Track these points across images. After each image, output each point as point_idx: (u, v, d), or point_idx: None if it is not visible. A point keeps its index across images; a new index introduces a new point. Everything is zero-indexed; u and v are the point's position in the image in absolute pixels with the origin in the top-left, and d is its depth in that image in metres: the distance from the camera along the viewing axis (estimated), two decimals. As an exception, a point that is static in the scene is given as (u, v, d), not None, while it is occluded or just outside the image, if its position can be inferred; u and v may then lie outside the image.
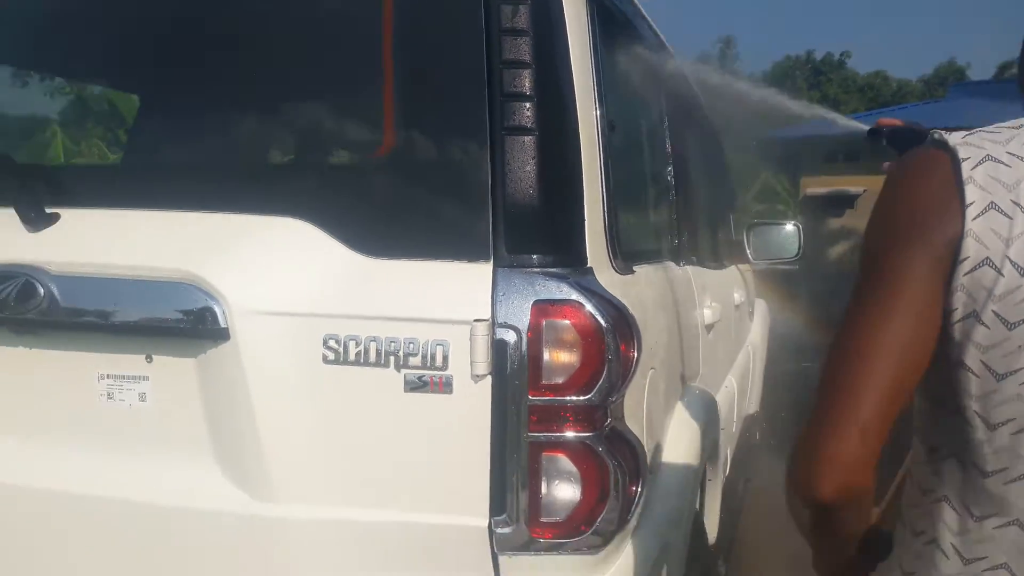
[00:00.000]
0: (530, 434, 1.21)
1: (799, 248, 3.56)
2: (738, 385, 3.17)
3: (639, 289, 1.54)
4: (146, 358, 1.37)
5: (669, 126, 2.22)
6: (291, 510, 1.28)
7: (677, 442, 1.71)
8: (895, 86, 32.96)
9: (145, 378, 1.37)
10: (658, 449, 1.58)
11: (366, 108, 1.45)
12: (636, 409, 1.39)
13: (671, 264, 2.02)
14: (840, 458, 0.82)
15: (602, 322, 1.23)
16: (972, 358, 0.82)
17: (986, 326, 0.81)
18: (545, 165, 1.28)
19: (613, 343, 1.23)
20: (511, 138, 1.26)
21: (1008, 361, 0.81)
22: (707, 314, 2.25)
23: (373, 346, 1.25)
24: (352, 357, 1.26)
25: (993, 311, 0.80)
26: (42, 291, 1.32)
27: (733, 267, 3.64)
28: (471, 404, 1.23)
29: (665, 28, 2.34)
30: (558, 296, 1.23)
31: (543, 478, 1.22)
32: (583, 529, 1.23)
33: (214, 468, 1.33)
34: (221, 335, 1.29)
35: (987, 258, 0.80)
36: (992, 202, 0.80)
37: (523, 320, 1.22)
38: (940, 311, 0.82)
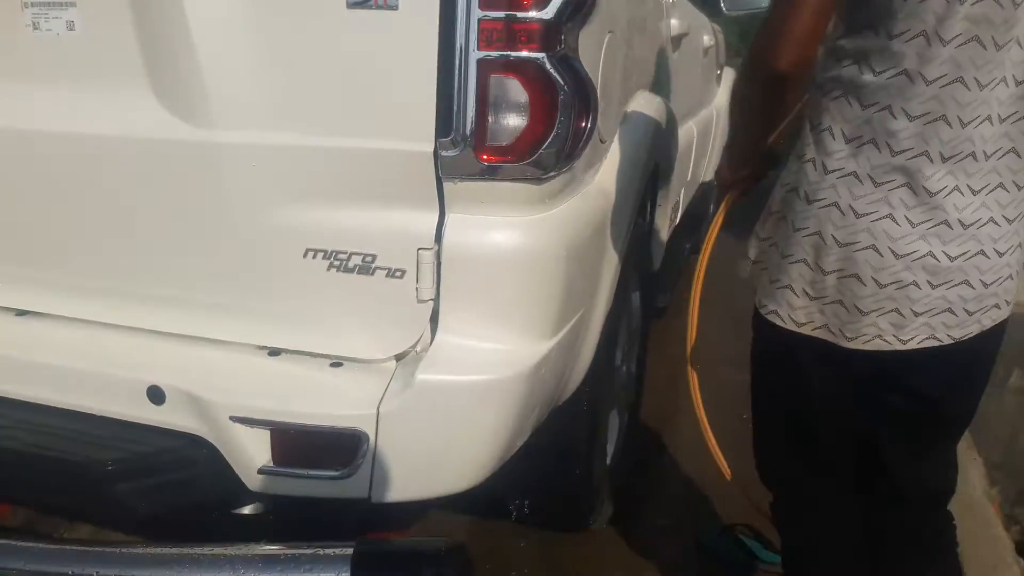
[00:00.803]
0: (479, 52, 1.16)
1: (775, -4, 3.41)
2: (699, 137, 3.14)
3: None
4: None
5: None
6: (231, 136, 1.24)
7: (631, 124, 1.70)
8: None
9: (72, 4, 1.28)
10: (610, 117, 1.55)
11: None
12: (591, 58, 1.34)
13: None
14: (797, 33, 1.07)
15: None
16: None
17: None
18: None
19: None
20: None
21: None
22: (674, 25, 2.16)
23: None
24: None
25: None
26: None
27: (706, 19, 3.50)
28: (418, 21, 1.16)
29: None
30: None
31: (491, 100, 1.18)
32: (529, 155, 1.21)
33: (150, 96, 1.28)
34: None
35: None
36: None
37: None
38: None
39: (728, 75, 4.42)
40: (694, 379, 1.68)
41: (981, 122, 1.09)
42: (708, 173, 3.95)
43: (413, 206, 1.25)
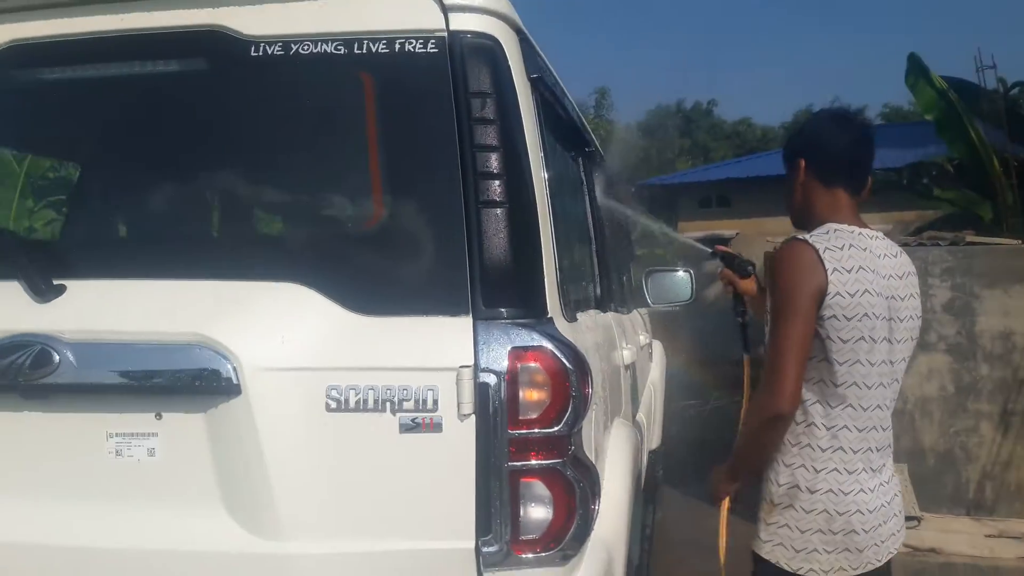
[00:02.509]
0: (509, 464, 1.42)
1: (692, 292, 3.91)
2: (645, 421, 3.47)
3: (582, 334, 1.79)
4: (156, 415, 1.48)
5: (588, 193, 2.52)
6: (299, 547, 1.42)
7: (613, 471, 1.96)
8: (759, 132, 34.96)
9: (154, 434, 1.48)
10: (602, 468, 1.81)
11: (356, 184, 1.63)
12: (588, 440, 1.62)
13: (597, 312, 2.29)
14: (789, 388, 1.73)
15: (566, 363, 1.46)
16: (833, 335, 1.75)
17: (839, 319, 1.75)
18: (513, 231, 1.51)
19: (575, 381, 1.47)
20: (485, 210, 1.49)
21: (847, 334, 1.75)
22: (626, 355, 2.53)
23: (371, 394, 1.43)
24: (353, 405, 1.43)
25: (842, 314, 1.74)
26: (57, 358, 1.42)
27: (635, 311, 3.98)
28: (458, 441, 1.42)
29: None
30: (530, 343, 1.46)
31: (521, 501, 1.43)
32: (554, 544, 1.44)
33: (223, 513, 1.45)
34: (233, 391, 1.42)
35: (838, 291, 1.74)
36: (835, 268, 1.75)
37: (502, 364, 1.44)
38: (816, 318, 1.75)
39: (657, 347, 4.90)
40: None
41: (889, 430, 1.85)
42: (654, 442, 4.25)
43: None
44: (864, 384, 1.77)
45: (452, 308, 1.48)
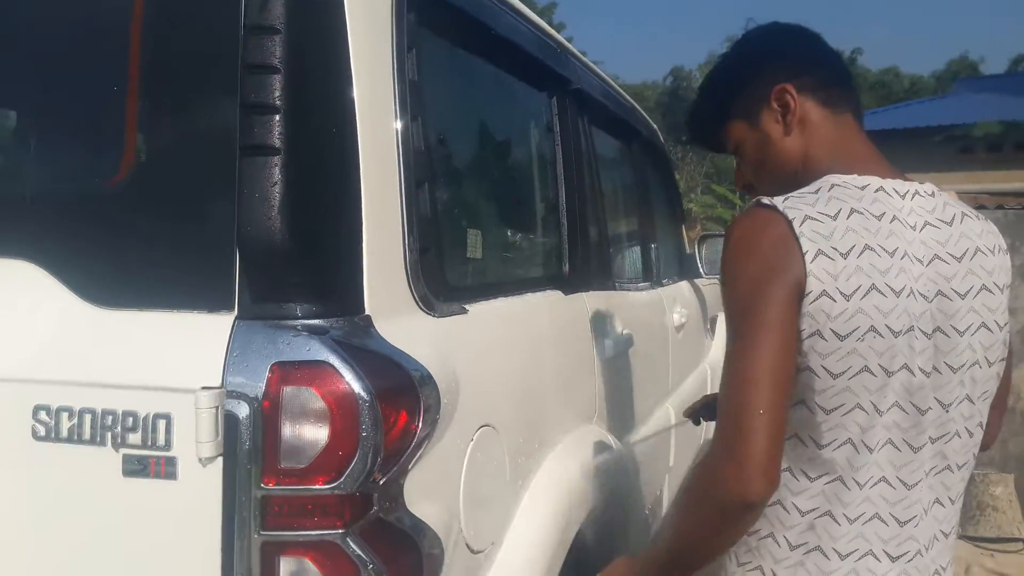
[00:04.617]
0: (263, 532, 0.97)
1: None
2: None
3: (468, 333, 1.30)
4: None
5: (563, 143, 1.96)
6: None
7: (537, 504, 1.47)
8: (907, 82, 32.41)
9: None
10: (489, 517, 1.33)
11: (105, 126, 1.21)
12: (442, 485, 1.15)
13: (551, 293, 1.77)
14: (761, 456, 0.99)
15: (358, 390, 0.99)
16: (815, 364, 1.05)
17: (825, 339, 1.04)
18: (300, 192, 1.04)
19: (372, 415, 0.99)
20: (252, 159, 1.02)
21: (840, 364, 1.05)
22: (608, 345, 2.00)
23: (88, 419, 1.02)
24: (65, 433, 1.03)
25: (830, 328, 1.04)
26: None
27: (683, 283, 3.38)
28: (198, 494, 0.99)
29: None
30: (304, 356, 0.99)
31: (279, 587, 0.98)
32: (331, 649, 0.99)
33: None
34: None
35: (824, 291, 1.03)
36: (819, 249, 1.04)
37: (258, 387, 0.99)
38: (796, 335, 1.04)
39: (723, 324, 4.26)
40: None
41: (918, 522, 1.12)
42: (709, 431, 3.68)
43: None
44: (864, 444, 1.07)
45: (212, 301, 1.04)
